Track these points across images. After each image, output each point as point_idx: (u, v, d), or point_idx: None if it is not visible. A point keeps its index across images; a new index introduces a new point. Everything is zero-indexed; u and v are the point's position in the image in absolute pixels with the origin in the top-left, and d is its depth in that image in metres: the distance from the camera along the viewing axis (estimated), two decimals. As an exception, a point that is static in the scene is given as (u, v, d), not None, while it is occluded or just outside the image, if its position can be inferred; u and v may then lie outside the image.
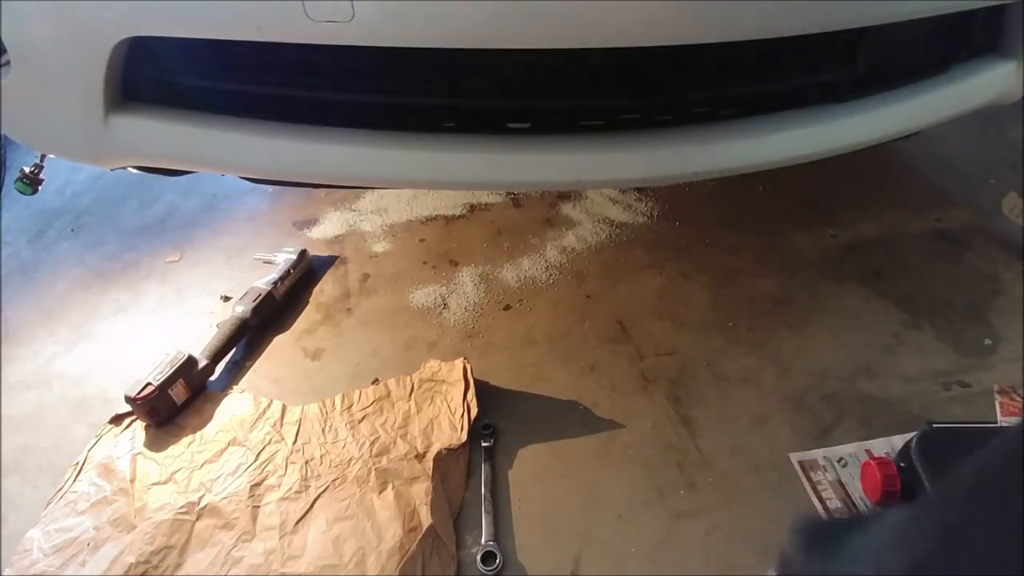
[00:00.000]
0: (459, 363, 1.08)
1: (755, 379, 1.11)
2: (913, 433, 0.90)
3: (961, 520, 0.55)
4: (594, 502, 0.95)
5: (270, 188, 1.70)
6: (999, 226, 1.39)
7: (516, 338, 1.22)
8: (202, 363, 1.13)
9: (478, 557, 0.87)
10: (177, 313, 1.34)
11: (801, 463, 0.97)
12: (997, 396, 1.05)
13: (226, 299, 1.34)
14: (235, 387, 1.15)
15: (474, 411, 1.02)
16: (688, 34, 0.78)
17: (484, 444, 1.01)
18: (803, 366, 1.13)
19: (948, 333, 1.17)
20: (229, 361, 1.20)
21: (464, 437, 0.99)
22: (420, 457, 0.97)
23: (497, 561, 0.86)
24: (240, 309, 1.23)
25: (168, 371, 1.06)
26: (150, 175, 1.05)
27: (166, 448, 1.02)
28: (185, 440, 1.04)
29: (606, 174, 0.95)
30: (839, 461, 0.97)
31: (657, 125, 0.92)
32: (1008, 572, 0.51)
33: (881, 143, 1.01)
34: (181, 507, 0.92)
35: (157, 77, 0.87)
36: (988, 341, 1.16)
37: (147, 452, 1.02)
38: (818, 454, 0.98)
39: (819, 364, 1.13)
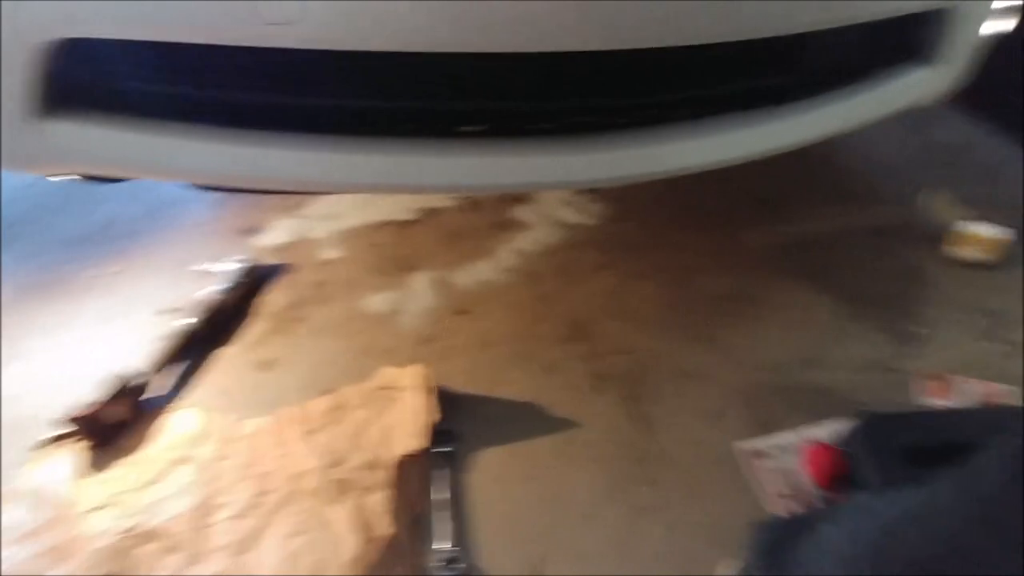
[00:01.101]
0: (416, 369, 1.07)
1: (708, 374, 1.14)
2: (856, 420, 0.94)
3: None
4: (556, 502, 0.95)
5: (216, 195, 1.65)
6: (926, 222, 1.47)
7: (473, 342, 1.21)
8: (145, 379, 1.08)
9: (441, 563, 0.86)
10: (119, 327, 1.27)
11: (748, 453, 1.00)
12: (928, 381, 1.11)
13: (171, 311, 1.28)
14: (181, 403, 1.10)
15: (432, 416, 1.00)
16: (635, 39, 0.80)
17: (444, 449, 1.00)
18: (753, 360, 1.16)
19: (884, 324, 1.24)
20: (173, 376, 1.15)
21: (423, 443, 0.98)
22: (378, 466, 0.95)
23: (460, 566, 0.85)
24: (186, 321, 1.18)
25: (108, 389, 1.01)
26: (87, 182, 1.00)
27: (106, 470, 0.97)
28: (128, 461, 0.99)
29: (559, 176, 0.96)
30: (783, 449, 1.00)
31: (609, 127, 0.94)
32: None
33: (818, 142, 1.06)
34: (124, 531, 0.87)
35: (96, 80, 0.83)
36: (919, 330, 1.22)
37: (86, 475, 0.97)
38: (763, 443, 1.01)
39: (768, 357, 1.17)
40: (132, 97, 0.85)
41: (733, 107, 0.97)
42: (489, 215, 1.55)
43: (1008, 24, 1.13)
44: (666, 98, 0.95)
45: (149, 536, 0.87)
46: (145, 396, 1.08)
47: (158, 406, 1.09)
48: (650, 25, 0.78)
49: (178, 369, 1.16)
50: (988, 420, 0.94)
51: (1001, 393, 1.09)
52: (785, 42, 0.90)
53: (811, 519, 0.75)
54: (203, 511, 0.90)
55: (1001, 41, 1.16)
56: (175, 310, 1.27)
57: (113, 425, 1.02)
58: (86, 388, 1.01)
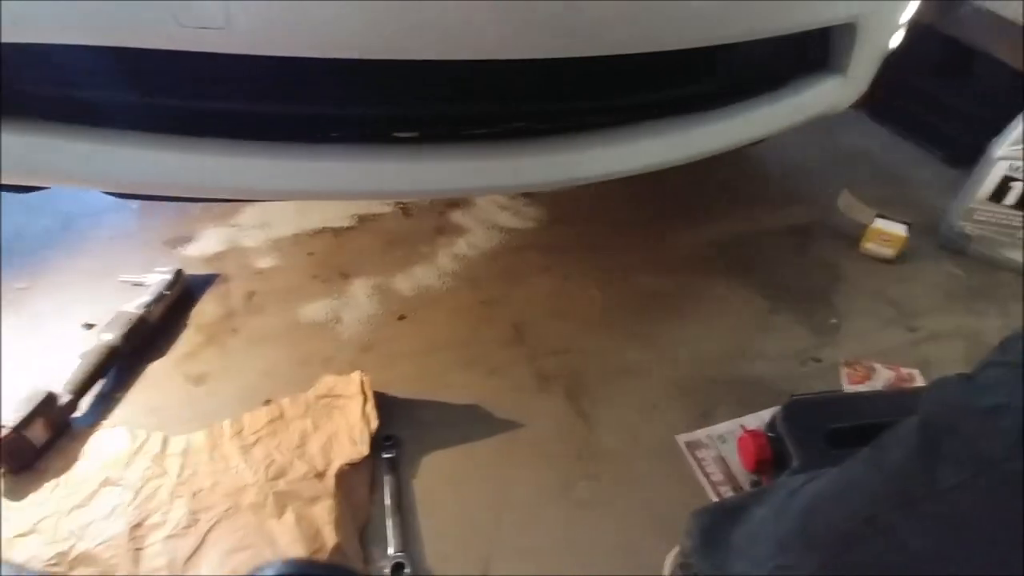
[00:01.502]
0: (356, 376, 1.06)
1: (644, 370, 1.19)
2: (779, 406, 1.00)
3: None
4: (501, 502, 0.96)
5: (135, 204, 1.57)
6: (837, 220, 1.58)
7: (414, 347, 1.21)
8: (64, 398, 1.02)
9: (387, 570, 0.86)
10: (31, 345, 1.20)
11: (687, 444, 1.05)
12: (843, 368, 1.20)
13: (89, 326, 1.21)
14: (105, 422, 1.05)
15: (374, 423, 1.00)
16: (559, 48, 0.83)
17: (387, 456, 1.00)
18: (685, 355, 1.22)
19: (802, 316, 1.32)
20: (97, 394, 1.09)
21: (366, 451, 0.97)
22: (320, 476, 0.94)
23: (407, 571, 0.86)
24: (107, 336, 1.12)
25: (24, 410, 0.95)
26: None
27: (27, 496, 0.91)
28: (49, 485, 0.93)
29: (492, 181, 0.98)
30: (720, 438, 1.06)
31: (540, 133, 0.97)
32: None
33: (737, 148, 1.12)
34: (50, 559, 0.82)
35: (5, 83, 0.78)
36: (834, 320, 1.32)
37: (5, 502, 0.90)
38: (701, 434, 1.07)
39: (699, 352, 1.23)
40: (45, 102, 0.81)
41: (658, 114, 1.02)
42: (426, 221, 1.55)
43: (900, 38, 1.24)
44: (593, 105, 0.99)
45: (79, 561, 0.83)
46: (67, 416, 1.03)
47: (83, 426, 1.03)
48: (573, 35, 0.81)
49: (100, 387, 1.10)
50: (897, 401, 1.03)
51: (908, 376, 1.19)
52: (705, 53, 0.95)
53: (743, 503, 0.79)
54: (136, 533, 0.86)
55: (896, 53, 1.26)
56: (94, 325, 1.20)
57: (33, 448, 0.96)
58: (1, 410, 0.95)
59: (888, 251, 1.47)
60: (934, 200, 1.69)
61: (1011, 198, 1.40)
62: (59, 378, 1.05)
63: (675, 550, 0.86)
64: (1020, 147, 1.35)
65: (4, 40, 0.69)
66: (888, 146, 1.99)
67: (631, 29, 0.83)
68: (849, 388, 1.16)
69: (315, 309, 1.29)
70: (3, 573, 0.79)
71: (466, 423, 1.07)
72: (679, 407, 1.12)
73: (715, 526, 0.77)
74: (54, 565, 0.82)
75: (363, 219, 1.55)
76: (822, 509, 0.63)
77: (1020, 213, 1.40)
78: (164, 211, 1.55)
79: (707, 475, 1.00)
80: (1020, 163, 1.36)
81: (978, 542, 0.48)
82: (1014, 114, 1.38)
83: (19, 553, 0.84)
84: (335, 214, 1.55)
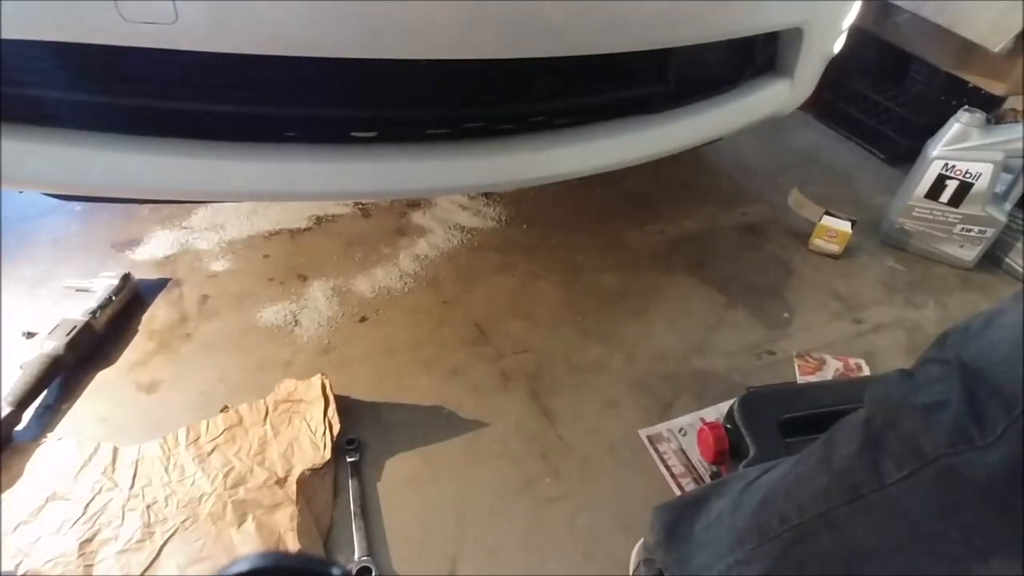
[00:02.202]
0: (316, 380, 1.05)
1: (604, 366, 1.20)
2: (735, 398, 1.03)
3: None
4: (465, 501, 0.96)
5: (79, 206, 1.50)
6: (788, 218, 1.64)
7: (375, 349, 1.20)
8: (4, 411, 0.97)
9: (353, 574, 0.85)
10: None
11: (648, 437, 1.07)
12: (796, 360, 1.25)
13: (30, 335, 1.16)
14: (50, 435, 1.00)
15: (336, 427, 0.99)
16: (512, 50, 0.83)
17: (350, 459, 0.99)
18: (645, 351, 1.24)
19: (756, 310, 1.36)
20: (40, 406, 1.05)
21: (327, 455, 0.96)
22: (281, 482, 0.92)
23: (373, 575, 0.85)
24: (50, 345, 1.07)
25: (-40, 425, 0.90)
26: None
27: (-35, 515, 0.87)
28: (-10, 503, 0.89)
29: (452, 181, 0.97)
30: (680, 431, 1.08)
31: (499, 134, 0.97)
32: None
33: (691, 148, 1.15)
34: (-8, 580, 0.79)
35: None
36: (786, 314, 1.36)
37: (-60, 523, 0.86)
38: (662, 427, 1.09)
39: (658, 347, 1.25)
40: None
41: (615, 115, 1.04)
42: (386, 221, 1.54)
43: (842, 43, 1.29)
44: (550, 106, 1.00)
45: (25, 581, 0.79)
46: (8, 430, 0.98)
47: (26, 439, 0.99)
48: (528, 36, 0.82)
49: (44, 398, 1.05)
50: (846, 391, 1.07)
51: (856, 366, 1.25)
52: (659, 56, 0.98)
53: (703, 495, 0.80)
54: (86, 549, 0.83)
55: (838, 58, 1.32)
56: (35, 333, 1.15)
57: (-31, 465, 0.91)
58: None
59: (835, 247, 1.53)
60: (877, 198, 1.77)
61: (946, 195, 1.47)
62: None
63: (637, 546, 0.88)
64: (954, 147, 1.43)
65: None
66: (834, 146, 2.07)
67: (584, 31, 0.85)
68: (801, 379, 1.21)
69: (272, 312, 1.26)
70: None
71: (430, 424, 1.07)
72: (640, 402, 1.14)
73: (677, 521, 0.78)
74: (-2, 586, 0.78)
75: (320, 220, 1.52)
76: (775, 503, 0.64)
77: (955, 210, 1.48)
78: (110, 213, 1.49)
79: (668, 467, 1.03)
80: (954, 162, 1.43)
81: (921, 537, 0.50)
82: (948, 116, 1.46)
83: (-41, 575, 0.79)
84: (291, 215, 1.52)
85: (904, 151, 1.89)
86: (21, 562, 0.81)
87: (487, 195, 1.64)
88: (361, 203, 1.58)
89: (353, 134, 0.91)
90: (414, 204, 1.59)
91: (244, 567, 0.20)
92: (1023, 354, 0.42)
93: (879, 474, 0.51)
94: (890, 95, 1.94)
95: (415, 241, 1.48)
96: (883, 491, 0.50)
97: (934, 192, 1.49)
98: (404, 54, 0.79)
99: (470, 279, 1.38)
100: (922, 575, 0.50)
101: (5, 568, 0.80)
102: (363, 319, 1.27)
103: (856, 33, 1.33)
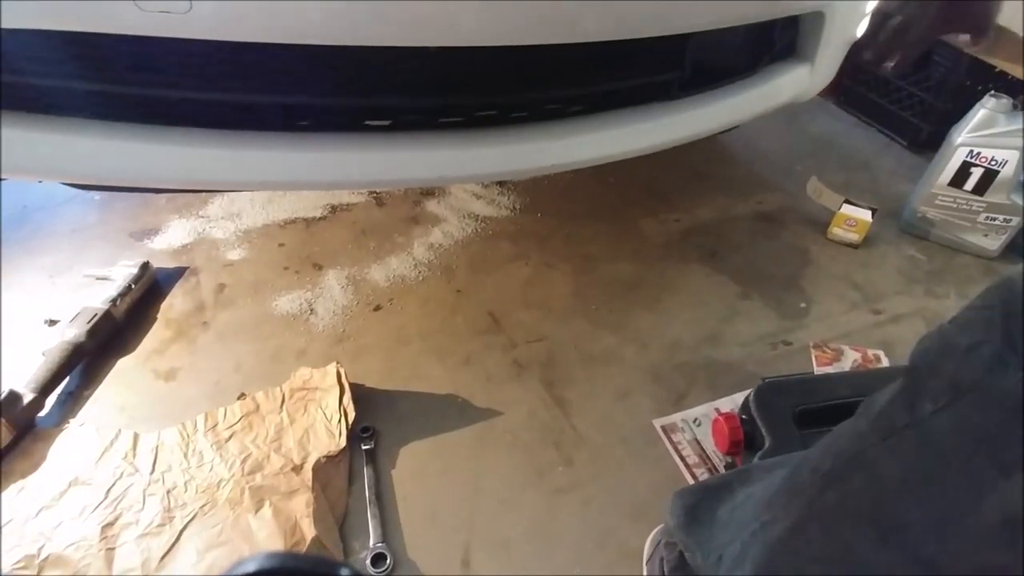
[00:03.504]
0: (331, 368, 1.05)
1: (617, 356, 1.20)
2: (750, 389, 1.03)
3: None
4: (478, 491, 0.97)
5: (97, 195, 1.52)
6: (806, 206, 1.62)
7: (389, 338, 1.21)
8: (27, 397, 0.99)
9: (368, 561, 0.86)
10: (-11, 344, 1.16)
11: (662, 428, 1.07)
12: (812, 350, 1.23)
13: (52, 323, 1.18)
14: (72, 421, 1.02)
15: (351, 415, 0.99)
16: (528, 36, 0.82)
17: (364, 447, 1.00)
18: (658, 340, 1.24)
19: (772, 300, 1.35)
20: (62, 392, 1.07)
21: (343, 443, 0.96)
22: (297, 469, 0.93)
23: (387, 562, 0.86)
24: (71, 332, 1.09)
25: (-16, 411, 0.92)
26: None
27: (-9, 498, 0.89)
28: (14, 487, 0.90)
29: (467, 170, 0.97)
30: (694, 421, 1.08)
31: (513, 122, 0.96)
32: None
33: (708, 136, 1.14)
34: (18, 562, 0.80)
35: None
36: (803, 305, 1.35)
37: (-33, 506, 0.88)
38: (676, 417, 1.09)
39: (671, 337, 1.25)
40: (5, 89, 0.78)
41: (630, 103, 1.03)
42: (400, 210, 1.54)
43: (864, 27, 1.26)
44: (566, 93, 0.99)
45: (49, 564, 0.81)
46: (31, 416, 1.00)
47: (48, 426, 1.01)
48: (545, 22, 0.81)
49: (66, 385, 1.07)
50: (863, 382, 1.06)
51: (874, 357, 1.23)
52: (676, 41, 0.96)
53: (725, 481, 0.80)
54: (108, 533, 0.85)
55: (859, 43, 1.29)
56: (57, 321, 1.17)
57: (-6, 450, 0.93)
58: (-42, 412, 0.92)
59: (854, 236, 1.51)
60: (898, 186, 1.74)
61: (970, 183, 1.44)
62: (22, 377, 1.02)
63: (654, 532, 0.88)
64: (979, 133, 1.39)
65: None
66: (854, 133, 2.03)
67: (600, 17, 0.83)
68: (818, 370, 1.19)
69: (287, 301, 1.27)
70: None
71: (443, 413, 1.08)
72: (653, 392, 1.13)
73: (698, 504, 0.78)
74: (22, 568, 0.80)
75: (335, 209, 1.53)
76: (810, 459, 0.64)
77: (979, 198, 1.45)
78: (127, 202, 1.51)
79: (683, 458, 1.02)
80: (979, 149, 1.40)
81: (952, 464, 0.50)
82: (972, 101, 1.43)
83: (-15, 557, 0.81)
84: (306, 204, 1.53)
85: (927, 137, 1.85)
86: (43, 546, 0.82)
87: (501, 184, 1.64)
88: (375, 192, 1.59)
89: (367, 123, 0.91)
90: (428, 193, 1.59)
91: (251, 567, 0.20)
92: None
93: (916, 411, 0.51)
94: (913, 80, 1.89)
95: (429, 230, 1.48)
96: (918, 425, 0.51)
97: (958, 180, 1.45)
98: (418, 41, 0.78)
99: (484, 268, 1.38)
100: (950, 502, 0.50)
101: (27, 551, 0.82)
102: (377, 308, 1.27)
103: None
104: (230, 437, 0.97)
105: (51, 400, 1.04)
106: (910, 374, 0.54)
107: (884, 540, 0.53)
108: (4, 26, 0.67)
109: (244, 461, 0.94)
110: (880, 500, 0.55)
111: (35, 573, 0.80)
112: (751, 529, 0.67)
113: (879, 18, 1.08)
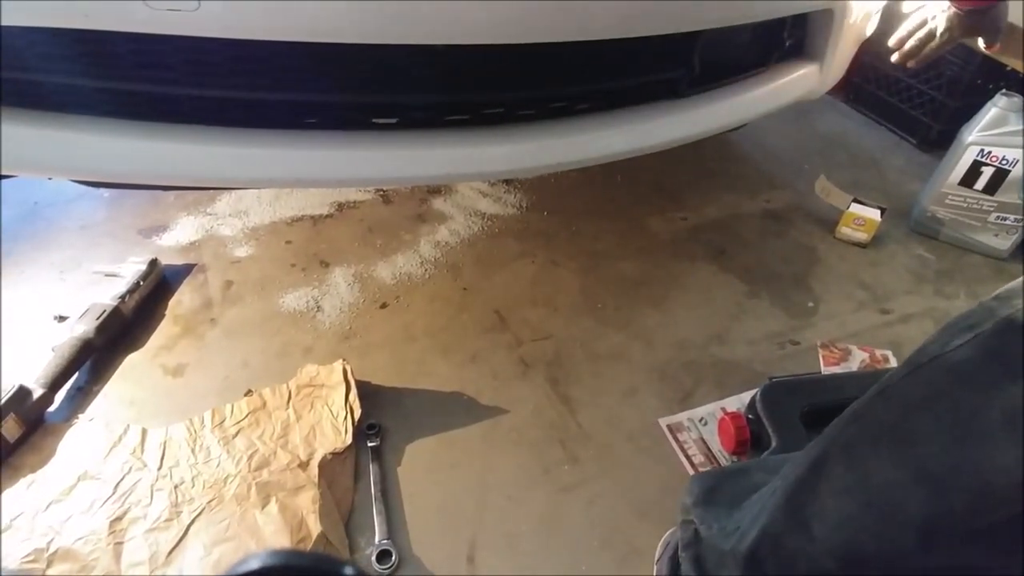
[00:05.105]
0: (338, 365, 1.06)
1: (624, 354, 1.20)
2: (757, 388, 1.02)
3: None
4: (484, 487, 0.97)
5: (107, 192, 1.53)
6: (814, 205, 1.61)
7: (395, 335, 1.21)
8: (37, 393, 1.00)
9: (373, 557, 0.86)
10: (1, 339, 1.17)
11: (668, 426, 1.07)
12: (820, 350, 1.23)
13: (61, 319, 1.19)
14: (81, 416, 1.03)
15: (357, 412, 1.00)
16: (536, 34, 0.82)
17: (370, 444, 1.00)
18: (664, 339, 1.23)
19: (779, 299, 1.34)
20: (71, 388, 1.07)
21: (349, 440, 0.97)
22: (304, 465, 0.93)
23: (393, 559, 0.86)
24: (80, 328, 1.10)
25: (-6, 405, 0.93)
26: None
27: (1, 493, 0.90)
28: (24, 482, 0.91)
29: (474, 167, 0.97)
30: (700, 420, 1.08)
31: (520, 120, 0.96)
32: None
33: (716, 134, 1.13)
34: (27, 555, 0.81)
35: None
36: (810, 304, 1.34)
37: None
38: (682, 416, 1.08)
39: (678, 335, 1.24)
40: (14, 87, 0.78)
41: (637, 100, 1.03)
42: (407, 208, 1.54)
43: (875, 25, 1.25)
44: (575, 91, 0.99)
45: (58, 557, 0.81)
46: (41, 411, 1.01)
47: (57, 421, 1.01)
48: (555, 20, 0.81)
49: (75, 380, 1.08)
50: (871, 382, 1.04)
51: (882, 357, 1.22)
52: (685, 39, 0.95)
53: (744, 467, 0.81)
54: (116, 527, 0.85)
55: (870, 40, 1.28)
56: (66, 317, 1.18)
57: (5, 444, 0.94)
58: (-31, 407, 0.93)
59: (862, 235, 1.50)
60: (907, 185, 1.73)
61: (981, 183, 1.43)
62: (31, 372, 1.03)
63: (667, 534, 0.88)
64: (990, 132, 1.38)
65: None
66: (863, 132, 2.02)
67: (611, 15, 0.83)
68: (826, 370, 1.19)
69: (294, 298, 1.27)
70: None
71: (449, 410, 1.08)
72: (659, 391, 1.13)
73: (716, 487, 0.79)
74: (31, 562, 0.81)
75: (342, 207, 1.53)
76: (843, 416, 0.66)
77: (990, 197, 1.44)
78: (136, 199, 1.51)
79: (688, 457, 1.02)
80: (990, 148, 1.39)
81: (963, 383, 0.53)
82: (984, 100, 1.41)
83: (-4, 549, 0.82)
84: (313, 202, 1.53)
85: (937, 136, 1.84)
86: (52, 540, 0.83)
87: (508, 182, 1.63)
88: (382, 190, 1.59)
89: (374, 121, 0.91)
90: (435, 191, 1.59)
91: (254, 565, 0.20)
92: None
93: (945, 345, 0.55)
94: (924, 78, 1.88)
95: (436, 228, 1.48)
96: (943, 356, 0.54)
97: (968, 179, 1.44)
98: (426, 40, 0.78)
99: (490, 266, 1.38)
100: (961, 410, 0.53)
101: (37, 545, 0.82)
102: (384, 305, 1.27)
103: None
104: (237, 433, 0.98)
105: (61, 395, 1.05)
106: (944, 329, 0.58)
107: (897, 459, 0.56)
108: (14, 23, 0.67)
109: (251, 457, 0.94)
110: (897, 422, 0.57)
111: (44, 567, 0.81)
112: (772, 487, 0.68)
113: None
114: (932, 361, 0.55)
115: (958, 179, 1.45)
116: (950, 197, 1.48)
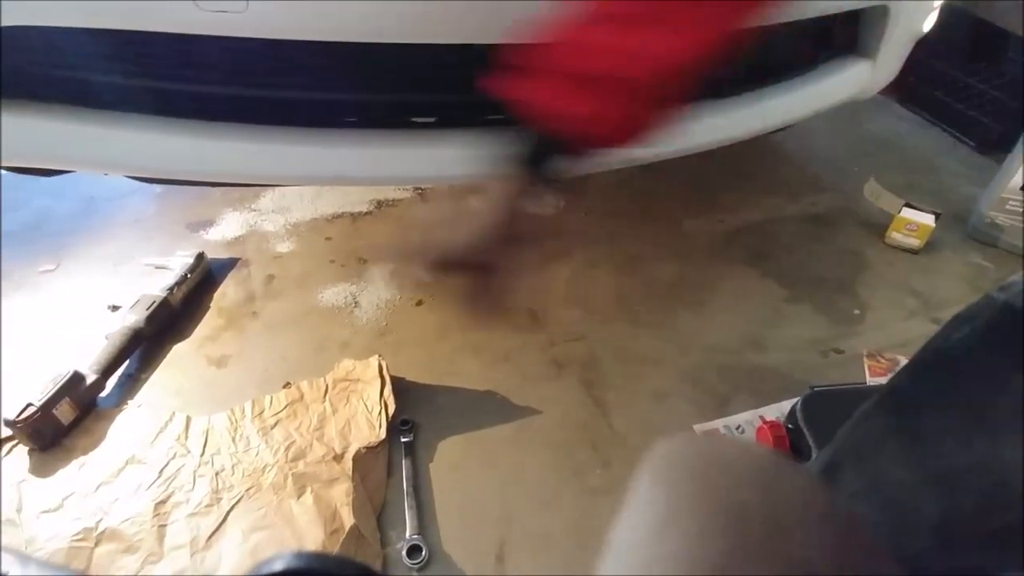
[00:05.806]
0: (373, 361, 1.07)
1: (658, 358, 1.18)
2: (797, 397, 0.99)
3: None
4: (514, 488, 0.97)
5: (158, 188, 1.59)
6: (862, 209, 1.55)
7: (430, 333, 1.22)
8: (90, 378, 1.04)
9: (403, 552, 0.87)
10: (57, 326, 1.23)
11: (704, 433, 1.05)
12: (866, 359, 1.18)
13: (114, 308, 1.24)
14: (130, 402, 1.07)
15: (391, 408, 1.01)
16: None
17: (403, 440, 1.01)
18: (700, 343, 1.21)
19: (823, 305, 1.30)
20: (122, 375, 1.12)
21: (383, 434, 0.98)
22: (338, 458, 0.95)
23: (423, 554, 0.87)
24: (132, 318, 1.15)
25: (51, 389, 0.97)
26: (17, 175, 0.96)
27: (54, 473, 0.94)
28: (76, 463, 0.96)
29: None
30: (737, 428, 1.05)
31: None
32: None
33: (761, 135, 1.10)
34: (77, 534, 0.85)
35: (27, 68, 0.79)
36: (856, 311, 1.30)
37: (33, 479, 0.93)
38: (718, 423, 1.06)
39: (714, 340, 1.22)
40: (68, 86, 0.82)
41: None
42: (445, 206, 1.55)
43: (932, 21, 1.20)
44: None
45: (105, 537, 0.85)
46: (93, 396, 1.05)
47: (108, 406, 1.06)
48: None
49: (126, 367, 1.13)
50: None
51: (928, 369, 1.17)
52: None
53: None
54: (160, 510, 0.89)
55: (927, 37, 1.22)
56: (119, 307, 1.23)
57: (59, 426, 0.98)
58: (27, 390, 0.97)
59: (914, 241, 1.44)
60: (964, 189, 1.65)
61: (1044, 187, 1.36)
62: (85, 359, 1.08)
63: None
64: (1055, 134, 1.31)
65: (19, 22, 0.70)
66: (917, 133, 1.94)
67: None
68: (871, 380, 1.14)
69: (333, 294, 1.30)
70: (5, 556, 0.81)
71: (481, 409, 1.08)
72: (694, 396, 1.11)
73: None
74: (80, 540, 0.84)
75: (381, 204, 1.55)
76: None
77: (1053, 203, 1.36)
78: (185, 195, 1.57)
79: (722, 465, 1.00)
80: (1055, 151, 1.31)
81: (967, 385, 0.53)
82: (1050, 100, 1.34)
83: (45, 529, 0.86)
84: (352, 199, 1.56)
85: (997, 138, 1.75)
86: (101, 520, 0.87)
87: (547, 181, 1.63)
88: (420, 188, 1.60)
89: (413, 119, 0.92)
90: (473, 190, 1.60)
91: (278, 566, 0.20)
92: None
93: (946, 339, 0.56)
94: (984, 77, 1.79)
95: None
96: (945, 350, 0.56)
97: (1030, 183, 1.37)
98: (473, 39, 0.79)
99: (526, 266, 1.37)
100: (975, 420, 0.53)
101: (86, 524, 0.86)
102: (419, 303, 1.29)
103: (948, 10, 1.23)
104: (275, 424, 1.00)
105: (112, 381, 1.10)
106: (948, 323, 0.59)
107: (907, 460, 0.56)
108: (68, 25, 0.70)
109: (288, 448, 0.97)
110: (904, 422, 0.58)
111: (92, 545, 0.84)
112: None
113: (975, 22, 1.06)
114: (935, 356, 0.55)
115: (1020, 183, 1.38)
116: (1011, 202, 1.41)
